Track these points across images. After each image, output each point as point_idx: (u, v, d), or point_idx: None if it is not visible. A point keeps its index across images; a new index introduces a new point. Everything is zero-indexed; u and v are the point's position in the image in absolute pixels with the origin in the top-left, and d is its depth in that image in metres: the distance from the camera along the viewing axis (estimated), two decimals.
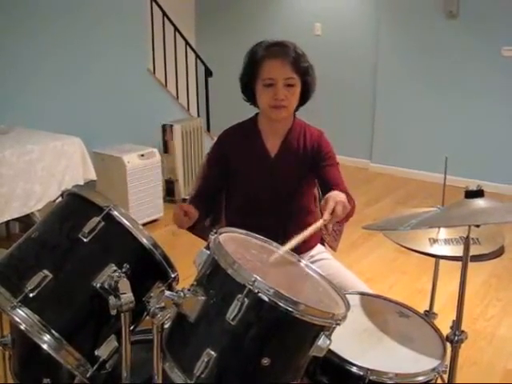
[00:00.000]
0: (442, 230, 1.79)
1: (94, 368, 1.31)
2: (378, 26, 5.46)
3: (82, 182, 3.41)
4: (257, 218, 1.93)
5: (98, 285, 1.28)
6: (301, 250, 1.98)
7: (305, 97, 1.92)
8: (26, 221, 3.30)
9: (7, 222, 3.49)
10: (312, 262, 1.83)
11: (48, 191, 3.22)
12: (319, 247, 2.10)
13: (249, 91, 1.93)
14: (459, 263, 1.61)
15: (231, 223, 1.82)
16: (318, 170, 1.98)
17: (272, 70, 1.83)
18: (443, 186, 1.84)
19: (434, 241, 1.76)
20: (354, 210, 1.80)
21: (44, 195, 3.19)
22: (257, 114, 2.01)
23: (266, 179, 1.96)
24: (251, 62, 1.89)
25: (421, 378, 1.44)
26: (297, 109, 1.97)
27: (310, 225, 2.05)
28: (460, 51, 5.01)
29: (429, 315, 1.90)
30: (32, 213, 3.20)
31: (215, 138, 2.13)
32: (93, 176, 3.56)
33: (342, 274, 1.97)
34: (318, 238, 2.12)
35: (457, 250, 1.70)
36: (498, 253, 1.77)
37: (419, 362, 1.48)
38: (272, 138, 1.97)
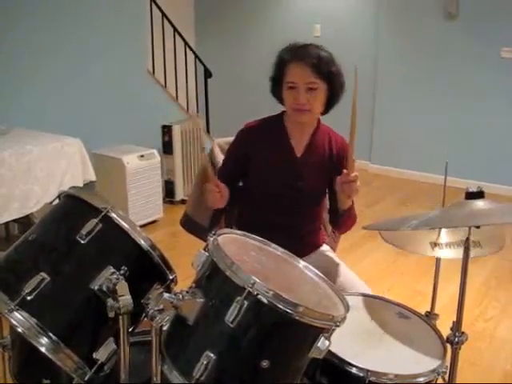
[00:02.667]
0: (442, 234, 1.78)
1: (92, 371, 1.30)
2: (378, 26, 5.46)
3: (81, 184, 3.40)
4: (273, 216, 1.92)
5: (96, 287, 1.27)
6: (310, 249, 1.99)
7: (331, 102, 1.90)
8: (25, 222, 3.29)
9: (6, 223, 3.48)
10: (319, 259, 1.83)
11: (47, 192, 3.21)
12: (325, 247, 2.10)
13: (277, 92, 1.91)
14: (459, 263, 1.61)
15: (244, 221, 1.79)
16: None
17: (293, 73, 1.82)
18: (443, 190, 1.82)
19: (435, 245, 1.76)
20: (354, 223, 1.95)
21: (43, 196, 3.18)
22: (283, 112, 1.97)
23: (291, 179, 1.93)
24: (277, 64, 1.88)
25: (421, 379, 1.43)
26: (324, 113, 1.93)
27: (317, 229, 2.05)
28: (459, 52, 5.01)
29: (430, 316, 1.89)
30: (31, 214, 3.19)
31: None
32: (92, 177, 3.55)
33: (342, 274, 1.98)
34: (324, 237, 2.12)
35: (458, 254, 1.69)
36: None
37: (419, 363, 1.47)
38: (298, 138, 1.94)
